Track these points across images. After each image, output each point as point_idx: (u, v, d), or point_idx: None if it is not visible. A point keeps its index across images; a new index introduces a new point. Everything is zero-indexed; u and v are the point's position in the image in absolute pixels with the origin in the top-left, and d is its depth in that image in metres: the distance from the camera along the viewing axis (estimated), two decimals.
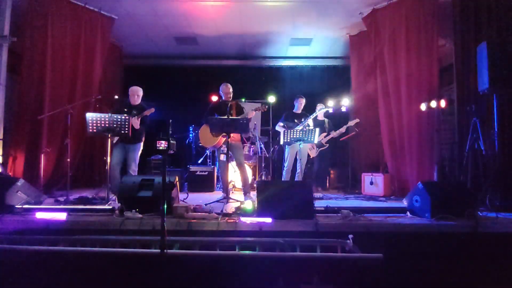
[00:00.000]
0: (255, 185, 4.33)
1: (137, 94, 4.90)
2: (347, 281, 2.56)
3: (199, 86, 8.11)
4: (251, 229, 3.09)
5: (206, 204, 3.89)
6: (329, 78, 8.26)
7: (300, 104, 5.84)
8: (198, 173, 6.27)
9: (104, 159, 4.68)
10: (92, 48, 5.88)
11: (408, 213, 3.58)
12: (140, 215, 3.27)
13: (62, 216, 3.22)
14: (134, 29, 6.84)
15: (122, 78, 7.56)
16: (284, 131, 5.07)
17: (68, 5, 5.58)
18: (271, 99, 7.41)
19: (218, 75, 7.45)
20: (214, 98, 7.10)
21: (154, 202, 3.39)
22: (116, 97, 6.94)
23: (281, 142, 5.25)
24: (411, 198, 3.62)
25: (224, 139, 4.61)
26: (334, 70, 8.41)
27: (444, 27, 5.21)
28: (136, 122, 4.62)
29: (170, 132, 2.57)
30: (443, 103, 4.80)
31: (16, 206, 3.47)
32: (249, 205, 3.50)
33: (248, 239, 2.96)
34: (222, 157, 4.78)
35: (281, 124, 5.73)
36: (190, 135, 7.23)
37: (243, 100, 4.94)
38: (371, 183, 5.62)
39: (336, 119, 6.56)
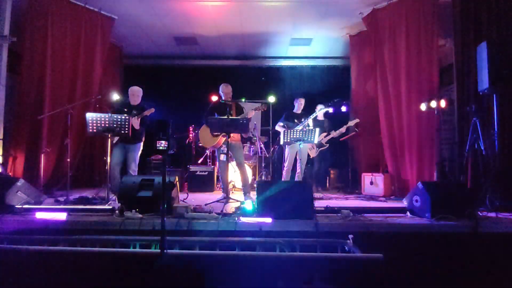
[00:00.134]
0: (255, 185, 4.34)
1: (137, 94, 4.90)
2: (347, 281, 2.56)
3: (199, 86, 8.11)
4: (251, 229, 3.09)
5: (206, 204, 3.89)
6: (329, 78, 8.25)
7: (300, 105, 5.85)
8: (198, 173, 6.28)
9: (104, 159, 4.69)
10: (92, 48, 5.88)
11: (408, 213, 3.58)
12: (140, 215, 3.27)
13: (62, 216, 3.22)
14: (134, 29, 6.84)
15: (122, 78, 7.56)
16: (284, 131, 5.07)
17: (68, 5, 5.58)
18: (271, 99, 7.40)
19: (218, 75, 7.46)
20: (214, 98, 7.09)
21: (154, 202, 3.39)
22: (116, 97, 6.94)
23: (281, 142, 5.25)
24: (411, 198, 3.62)
25: (224, 139, 4.61)
26: (334, 70, 8.41)
27: (444, 27, 5.21)
28: (136, 122, 4.62)
29: (170, 132, 2.56)
30: (443, 103, 4.80)
31: (16, 206, 3.47)
32: (249, 205, 3.50)
33: (248, 239, 2.96)
34: (222, 157, 4.78)
35: (281, 124, 5.73)
36: (190, 135, 7.23)
37: (243, 100, 4.94)
38: (371, 183, 5.62)
39: (336, 119, 6.56)
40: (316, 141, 5.34)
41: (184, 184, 6.42)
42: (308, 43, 7.58)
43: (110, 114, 4.26)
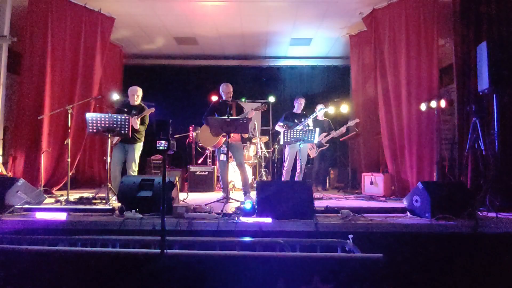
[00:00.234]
0: (255, 185, 4.34)
1: (136, 94, 4.91)
2: (347, 281, 2.56)
3: (199, 86, 8.13)
4: (251, 229, 3.09)
5: (206, 204, 3.89)
6: (329, 78, 8.27)
7: (300, 105, 5.85)
8: (198, 173, 6.28)
9: (104, 159, 4.69)
10: (92, 48, 5.88)
11: (408, 213, 3.58)
12: (140, 215, 3.27)
13: (62, 216, 3.22)
14: (134, 29, 6.85)
15: (122, 78, 7.56)
16: (284, 131, 5.07)
17: (68, 5, 5.58)
18: (271, 99, 7.43)
19: (218, 75, 7.48)
20: (214, 98, 7.10)
21: (154, 202, 3.39)
22: (116, 97, 6.95)
23: (281, 142, 5.25)
24: (411, 198, 3.62)
25: (224, 139, 4.61)
26: (334, 70, 8.42)
27: (444, 27, 5.21)
28: (135, 122, 4.62)
29: (170, 132, 2.56)
30: (443, 103, 4.80)
31: (16, 206, 3.47)
32: (249, 205, 3.50)
33: (248, 239, 2.96)
34: (222, 157, 4.78)
35: (281, 124, 5.73)
36: (190, 135, 7.23)
37: (243, 100, 4.94)
38: (371, 183, 5.62)
39: (336, 119, 6.56)
40: (316, 141, 5.34)
41: (184, 184, 6.42)
42: (308, 43, 7.58)
43: (110, 114, 4.27)
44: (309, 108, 6.11)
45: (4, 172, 4.92)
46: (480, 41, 4.02)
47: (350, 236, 2.84)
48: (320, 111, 6.12)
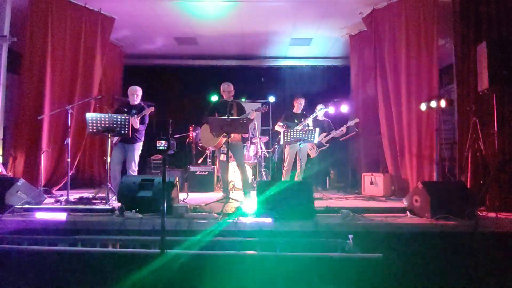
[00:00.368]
0: (255, 185, 4.34)
1: (136, 93, 4.91)
2: (347, 281, 2.56)
3: (199, 86, 8.12)
4: (251, 229, 3.09)
5: (206, 204, 3.89)
6: (329, 78, 8.26)
7: (299, 104, 5.84)
8: (198, 173, 6.28)
9: (104, 159, 4.69)
10: (92, 48, 5.88)
11: (408, 213, 3.58)
12: (140, 215, 3.27)
13: (62, 216, 3.22)
14: (134, 29, 6.85)
15: (122, 78, 7.56)
16: (284, 131, 5.07)
17: (68, 5, 5.58)
18: (271, 99, 7.42)
19: (218, 75, 7.47)
20: (215, 98, 7.10)
21: (154, 202, 3.39)
22: (116, 97, 6.95)
23: (281, 142, 5.25)
24: (411, 198, 3.62)
25: (225, 139, 4.60)
26: (334, 70, 8.41)
27: (444, 27, 5.21)
28: (135, 122, 4.62)
29: (170, 132, 2.56)
30: (443, 103, 4.80)
31: (16, 206, 3.47)
32: (249, 205, 3.50)
33: (248, 239, 2.96)
34: (222, 157, 4.77)
35: (281, 124, 5.73)
36: (190, 135, 7.23)
37: (243, 100, 4.93)
38: (371, 183, 5.62)
39: (336, 119, 6.56)
40: (316, 141, 5.34)
41: (184, 184, 6.42)
42: (308, 43, 7.58)
43: (110, 114, 4.27)
44: (309, 108, 6.11)
45: (4, 172, 4.92)
46: (480, 41, 4.02)
47: (350, 236, 2.84)
48: (320, 111, 6.12)
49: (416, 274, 2.93)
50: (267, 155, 7.02)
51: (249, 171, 6.11)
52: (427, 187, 3.47)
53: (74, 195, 4.50)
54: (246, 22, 6.55)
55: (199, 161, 7.10)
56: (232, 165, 5.70)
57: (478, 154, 4.10)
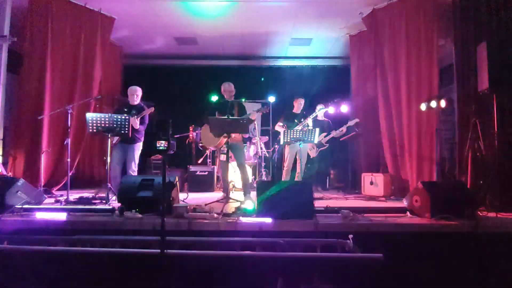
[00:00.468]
0: (255, 185, 4.34)
1: (135, 93, 4.91)
2: (347, 281, 2.56)
3: (199, 86, 8.12)
4: (251, 229, 3.09)
5: (206, 204, 3.89)
6: (329, 78, 8.25)
7: (299, 105, 5.84)
8: (198, 173, 6.27)
9: (104, 159, 4.69)
10: (92, 48, 5.88)
11: (408, 213, 3.58)
12: (140, 215, 3.27)
13: (62, 216, 3.22)
14: (134, 29, 6.84)
15: (122, 78, 7.56)
16: (284, 131, 5.07)
17: (68, 5, 5.57)
18: (271, 99, 7.43)
19: (218, 75, 7.46)
20: (215, 98, 7.10)
21: (154, 202, 3.38)
22: (116, 97, 6.94)
23: (281, 142, 5.25)
24: (411, 198, 3.62)
25: (226, 139, 4.59)
26: (334, 70, 8.41)
27: (444, 27, 5.21)
28: (135, 122, 4.62)
29: (170, 132, 2.56)
30: (443, 103, 4.80)
31: (16, 206, 3.47)
32: (249, 205, 3.50)
33: (248, 239, 2.96)
34: (222, 157, 4.77)
35: (281, 124, 5.73)
36: (190, 135, 7.23)
37: (243, 100, 4.93)
38: (371, 183, 5.62)
39: (336, 119, 6.56)
40: (316, 141, 5.34)
41: (184, 184, 6.42)
42: (308, 43, 7.58)
43: (110, 114, 4.27)
44: (309, 108, 6.11)
45: (4, 172, 4.92)
46: (480, 41, 4.02)
47: (350, 236, 2.84)
48: (320, 111, 6.11)
49: (416, 274, 2.93)
50: (267, 155, 7.02)
51: (249, 171, 6.11)
52: (427, 187, 3.47)
53: (74, 195, 4.50)
54: (246, 22, 6.55)
55: (199, 161, 7.10)
56: (232, 165, 5.69)
57: (478, 154, 4.10)
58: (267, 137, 7.30)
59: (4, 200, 3.43)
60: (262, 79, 8.45)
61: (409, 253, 2.99)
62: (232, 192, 5.81)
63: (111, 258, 2.77)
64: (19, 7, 5.34)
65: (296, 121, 5.65)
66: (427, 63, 5.08)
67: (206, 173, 6.28)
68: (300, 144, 5.06)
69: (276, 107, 7.55)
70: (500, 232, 3.13)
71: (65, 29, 5.56)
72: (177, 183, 3.87)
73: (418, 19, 5.19)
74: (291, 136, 5.01)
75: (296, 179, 5.42)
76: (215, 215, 3.30)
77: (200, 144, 6.64)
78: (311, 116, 5.74)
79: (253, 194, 4.29)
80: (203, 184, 6.21)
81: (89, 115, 4.20)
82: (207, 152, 7.01)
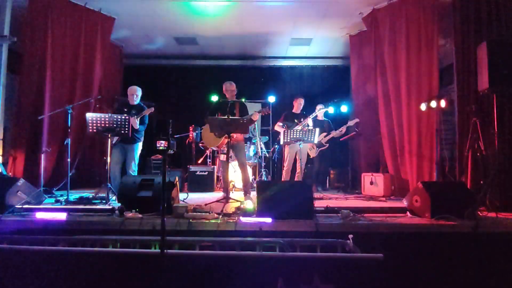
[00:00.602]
0: (255, 185, 4.33)
1: (135, 93, 4.90)
2: (347, 281, 2.56)
3: (199, 86, 8.13)
4: (251, 229, 3.09)
5: (206, 204, 3.89)
6: (329, 78, 8.26)
7: (299, 105, 5.85)
8: (198, 173, 6.27)
9: (104, 159, 4.69)
10: (92, 48, 5.88)
11: (408, 213, 3.59)
12: (140, 215, 3.27)
13: (62, 216, 3.22)
14: (134, 29, 6.85)
15: (122, 78, 7.56)
16: (284, 131, 5.07)
17: (68, 5, 5.58)
18: (271, 99, 7.43)
19: (218, 75, 7.47)
20: (215, 98, 7.10)
21: (154, 202, 3.38)
22: (116, 97, 6.94)
23: (281, 142, 5.25)
24: (411, 198, 3.62)
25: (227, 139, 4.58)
26: (334, 70, 8.41)
27: (444, 27, 5.21)
28: (135, 122, 4.62)
29: (170, 132, 2.56)
30: (443, 103, 4.80)
31: (16, 206, 3.47)
32: (249, 205, 3.50)
33: (248, 239, 2.96)
34: (223, 157, 4.76)
35: (280, 124, 5.73)
36: (190, 135, 7.23)
37: (243, 100, 4.92)
38: (371, 183, 5.62)
39: (336, 119, 6.56)
40: (316, 141, 5.34)
41: (184, 184, 6.42)
42: (308, 43, 7.58)
43: (110, 114, 4.27)
44: (309, 108, 6.11)
45: (4, 172, 4.92)
46: (480, 41, 4.02)
47: (350, 236, 2.84)
48: (320, 111, 6.12)
49: (416, 274, 2.93)
50: (267, 155, 7.02)
51: (249, 171, 6.11)
52: (427, 187, 3.47)
53: (74, 195, 4.50)
54: (246, 22, 6.55)
55: (199, 161, 7.10)
56: (233, 165, 5.69)
57: (478, 154, 4.10)
58: (267, 137, 7.30)
59: (4, 200, 3.43)
60: (262, 79, 8.45)
61: (409, 253, 2.99)
62: (232, 192, 5.81)
63: (111, 258, 2.77)
64: (19, 7, 5.34)
65: (296, 121, 5.65)
66: (427, 63, 5.08)
67: (206, 173, 6.28)
68: (300, 144, 5.06)
69: (276, 107, 7.56)
70: (500, 232, 3.13)
71: (65, 29, 5.56)
72: (177, 183, 3.87)
73: (418, 19, 5.19)
74: (291, 136, 5.00)
75: (296, 179, 5.42)
76: (215, 215, 3.30)
77: (201, 144, 6.65)
78: (311, 116, 5.74)
79: (253, 194, 4.29)
80: (203, 184, 6.20)
81: (89, 115, 4.20)
82: (207, 152, 7.01)
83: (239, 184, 6.01)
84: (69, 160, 4.59)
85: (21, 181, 3.73)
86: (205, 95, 7.49)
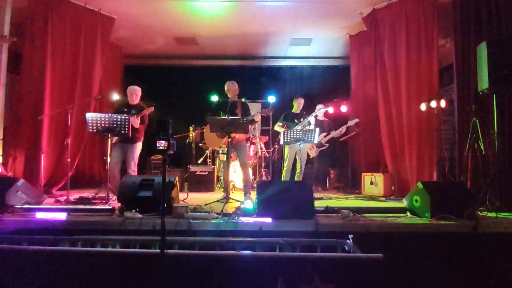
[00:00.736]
0: (255, 185, 4.34)
1: (135, 93, 4.90)
2: (347, 281, 2.56)
3: (199, 86, 8.12)
4: (251, 229, 3.09)
5: (206, 204, 3.89)
6: (329, 78, 8.26)
7: (299, 104, 5.84)
8: (198, 173, 6.27)
9: (104, 159, 4.69)
10: (92, 48, 5.88)
11: (408, 213, 3.59)
12: (140, 215, 3.27)
13: (62, 216, 3.22)
14: (134, 29, 6.84)
15: (122, 78, 7.56)
16: (284, 131, 5.07)
17: (68, 5, 5.58)
18: (271, 99, 7.43)
19: (218, 75, 7.46)
20: (215, 98, 7.10)
21: (154, 202, 3.38)
22: (116, 97, 6.94)
23: (281, 142, 5.25)
24: (411, 198, 3.62)
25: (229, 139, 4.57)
26: (334, 70, 8.41)
27: (444, 27, 5.21)
28: (135, 122, 4.62)
29: (170, 132, 2.56)
30: (443, 103, 4.80)
31: (16, 206, 3.47)
32: (249, 205, 3.50)
33: (248, 239, 2.96)
34: (223, 157, 4.76)
35: (280, 124, 5.73)
36: (190, 135, 7.23)
37: (242, 100, 4.92)
38: (371, 183, 5.62)
39: (336, 119, 6.56)
40: (316, 141, 5.34)
41: (184, 184, 6.42)
42: (308, 43, 7.58)
43: (110, 114, 4.27)
44: (309, 108, 6.11)
45: (4, 172, 4.92)
46: (480, 41, 4.02)
47: (350, 236, 2.84)
48: (320, 111, 6.12)
49: (416, 274, 2.93)
50: (267, 155, 7.02)
51: (249, 171, 6.11)
52: (427, 187, 3.47)
53: (74, 195, 4.50)
54: (246, 22, 6.55)
55: (199, 161, 7.10)
56: (233, 165, 5.69)
57: (478, 154, 4.11)
58: (267, 137, 7.30)
59: (4, 200, 3.43)
60: (262, 79, 8.45)
61: (409, 253, 2.99)
62: (232, 192, 5.82)
63: (111, 258, 2.77)
64: (19, 7, 5.35)
65: (295, 121, 5.65)
66: (427, 63, 5.08)
67: (206, 173, 6.28)
68: (300, 144, 5.06)
69: (276, 107, 7.54)
70: (500, 232, 3.13)
71: (65, 29, 5.56)
72: (177, 183, 3.86)
73: (418, 19, 5.19)
74: (291, 136, 5.00)
75: (296, 179, 5.42)
76: (215, 215, 3.30)
77: (202, 144, 6.65)
78: (311, 116, 5.74)
79: (253, 194, 4.29)
80: (203, 184, 6.20)
81: (89, 115, 4.20)
82: (207, 152, 7.01)
83: (239, 184, 6.01)
84: (69, 160, 4.60)
85: (21, 181, 3.72)
86: (205, 95, 7.49)
